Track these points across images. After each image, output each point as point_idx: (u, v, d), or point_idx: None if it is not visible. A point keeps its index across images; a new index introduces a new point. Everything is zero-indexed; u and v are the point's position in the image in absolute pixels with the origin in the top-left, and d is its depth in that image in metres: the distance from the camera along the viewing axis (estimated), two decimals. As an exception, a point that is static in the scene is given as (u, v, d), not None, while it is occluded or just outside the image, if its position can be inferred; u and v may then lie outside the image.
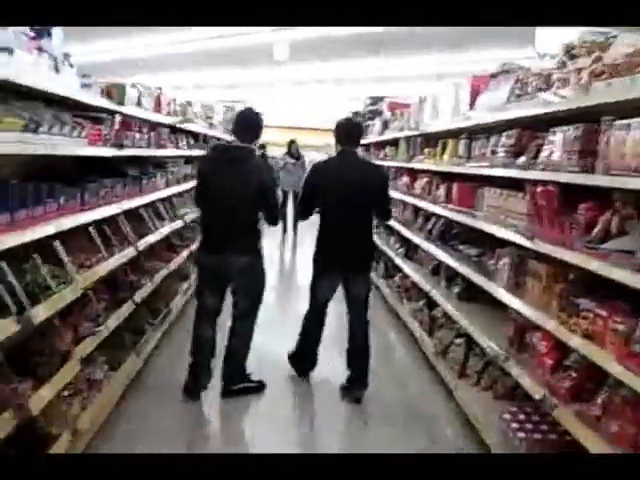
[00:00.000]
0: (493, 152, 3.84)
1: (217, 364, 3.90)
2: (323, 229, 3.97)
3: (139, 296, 4.00)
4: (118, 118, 3.56)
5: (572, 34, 3.27)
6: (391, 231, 7.18)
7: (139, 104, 4.18)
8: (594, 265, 2.41)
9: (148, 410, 3.63)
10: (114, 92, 3.56)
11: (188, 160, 6.62)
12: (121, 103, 3.60)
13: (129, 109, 3.81)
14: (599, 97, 2.51)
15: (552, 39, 3.94)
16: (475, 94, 4.33)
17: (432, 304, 5.01)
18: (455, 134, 4.87)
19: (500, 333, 3.69)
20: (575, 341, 2.52)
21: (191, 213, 5.97)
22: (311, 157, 17.42)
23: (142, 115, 4.19)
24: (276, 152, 17.23)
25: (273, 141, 21.16)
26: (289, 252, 10.50)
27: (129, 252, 3.74)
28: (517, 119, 3.44)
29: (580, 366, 2.68)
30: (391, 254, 6.67)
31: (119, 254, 3.58)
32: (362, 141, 9.18)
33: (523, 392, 3.37)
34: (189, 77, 14.93)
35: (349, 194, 3.83)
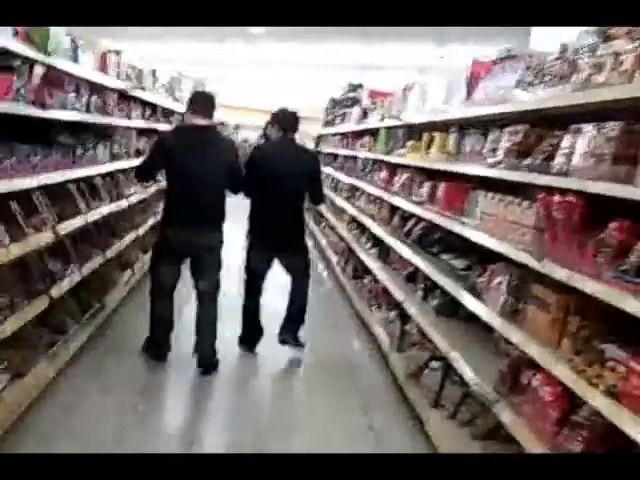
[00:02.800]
0: (493, 150, 3.28)
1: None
2: (256, 208, 4.28)
3: (59, 289, 3.31)
4: (39, 70, 2.84)
5: (572, 32, 2.75)
6: (363, 229, 6.61)
7: (75, 59, 3.46)
8: (631, 304, 1.86)
9: (55, 429, 2.97)
10: (36, 37, 2.82)
11: (142, 133, 5.89)
12: (45, 52, 2.88)
13: (56, 61, 3.07)
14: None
15: (549, 36, 3.41)
16: (474, 82, 3.75)
17: (405, 316, 4.45)
18: (444, 127, 4.31)
19: (487, 362, 3.15)
20: (597, 399, 1.96)
21: (139, 193, 5.27)
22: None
23: (77, 72, 3.44)
24: (249, 135, 16.52)
25: (244, 123, 20.43)
26: None
27: (45, 236, 3.04)
28: (529, 111, 2.87)
29: (595, 424, 2.14)
30: (361, 254, 6.09)
31: (30, 238, 2.89)
32: (338, 129, 8.64)
33: (507, 432, 2.85)
34: (158, 49, 13.99)
35: (283, 177, 4.09)
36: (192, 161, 3.68)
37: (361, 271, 6.28)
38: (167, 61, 13.75)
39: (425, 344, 3.89)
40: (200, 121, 3.77)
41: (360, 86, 8.08)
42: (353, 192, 7.55)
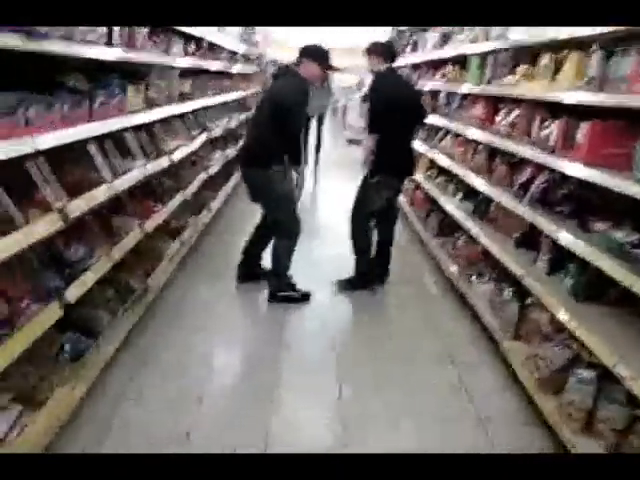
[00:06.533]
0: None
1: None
2: (391, 141, 4.16)
3: (81, 285, 2.50)
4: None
5: None
6: (448, 177, 5.55)
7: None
8: None
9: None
10: None
11: (185, 72, 4.95)
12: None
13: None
14: None
15: None
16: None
17: (522, 293, 3.48)
18: (574, 46, 3.17)
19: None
20: None
21: (184, 147, 4.37)
22: (339, 79, 15.58)
23: None
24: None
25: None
26: (310, 186, 8.99)
27: (49, 220, 2.19)
28: None
29: None
30: (450, 209, 5.06)
31: (29, 227, 2.05)
32: (407, 60, 7.64)
33: None
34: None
35: (408, 107, 4.24)
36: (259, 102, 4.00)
37: (448, 227, 5.28)
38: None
39: (563, 341, 2.92)
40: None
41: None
42: (431, 132, 6.44)
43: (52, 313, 2.21)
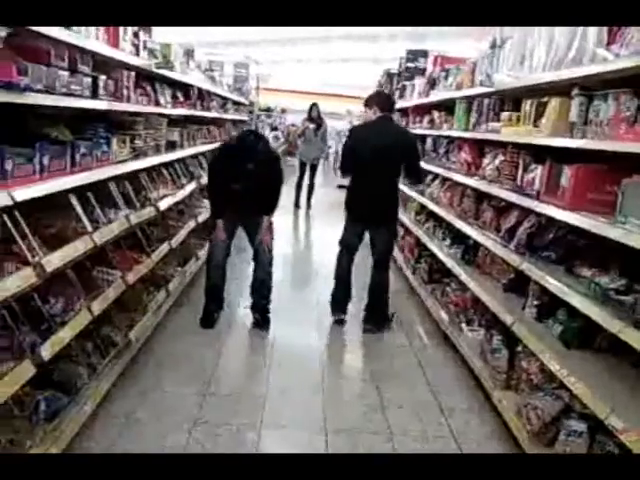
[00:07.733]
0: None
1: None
2: (354, 185, 4.53)
3: (56, 342, 2.43)
4: (-1, 32, 1.93)
5: None
6: (437, 221, 5.55)
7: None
8: None
9: None
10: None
11: (174, 121, 4.98)
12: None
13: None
14: None
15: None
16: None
17: (512, 341, 3.42)
18: (562, 91, 3.21)
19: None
20: None
21: (171, 196, 4.37)
22: (332, 125, 15.85)
23: (67, 39, 2.50)
24: (295, 119, 15.74)
25: (290, 107, 19.51)
26: (302, 228, 9.36)
27: (25, 275, 2.15)
28: None
29: None
30: (439, 254, 5.03)
31: (4, 280, 2.00)
32: (398, 105, 7.72)
33: None
34: (198, 32, 13.07)
35: (380, 156, 4.26)
36: None
37: (438, 272, 5.25)
38: (203, 45, 12.91)
39: (554, 391, 2.85)
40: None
41: (423, 53, 6.93)
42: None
43: (25, 371, 2.14)
